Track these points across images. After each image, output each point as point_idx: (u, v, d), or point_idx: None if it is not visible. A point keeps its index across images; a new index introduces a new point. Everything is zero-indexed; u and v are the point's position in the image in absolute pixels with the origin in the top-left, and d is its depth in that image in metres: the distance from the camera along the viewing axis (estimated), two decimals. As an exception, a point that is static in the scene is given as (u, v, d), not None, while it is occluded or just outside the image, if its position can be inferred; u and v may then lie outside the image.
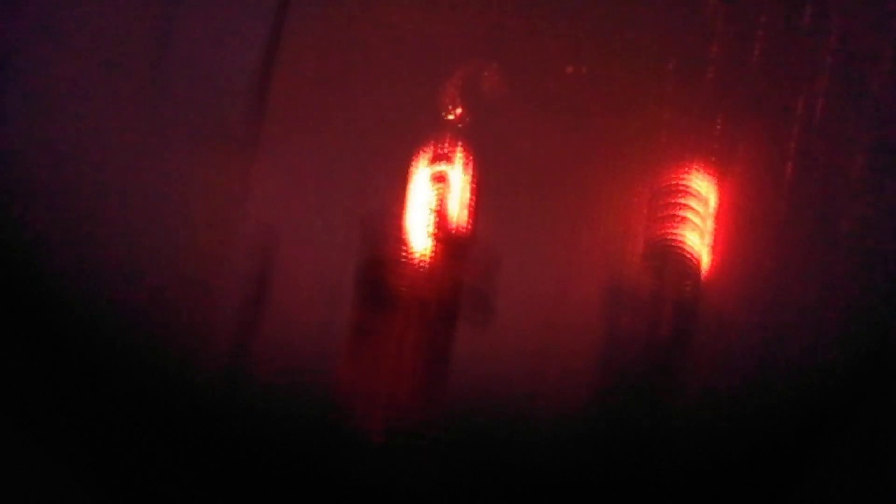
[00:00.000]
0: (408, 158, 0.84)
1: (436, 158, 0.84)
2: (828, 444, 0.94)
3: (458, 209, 0.84)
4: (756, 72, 0.85)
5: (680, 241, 0.85)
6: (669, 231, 0.85)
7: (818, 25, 0.87)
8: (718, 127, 0.85)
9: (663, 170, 0.85)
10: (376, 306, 0.84)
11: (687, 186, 0.85)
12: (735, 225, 0.86)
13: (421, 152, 0.84)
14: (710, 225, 0.86)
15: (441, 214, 0.84)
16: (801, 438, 0.92)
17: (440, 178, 0.84)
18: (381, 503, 0.87)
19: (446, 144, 0.84)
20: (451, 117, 0.84)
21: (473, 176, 0.84)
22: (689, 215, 0.85)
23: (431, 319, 0.84)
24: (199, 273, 0.84)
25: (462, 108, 0.84)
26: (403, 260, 0.84)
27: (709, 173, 0.85)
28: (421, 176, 0.84)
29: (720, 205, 0.86)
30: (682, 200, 0.85)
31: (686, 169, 0.85)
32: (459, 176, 0.84)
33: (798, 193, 0.87)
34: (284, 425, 0.85)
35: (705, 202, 0.85)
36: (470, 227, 0.84)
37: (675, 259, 0.85)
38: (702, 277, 0.86)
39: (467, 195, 0.84)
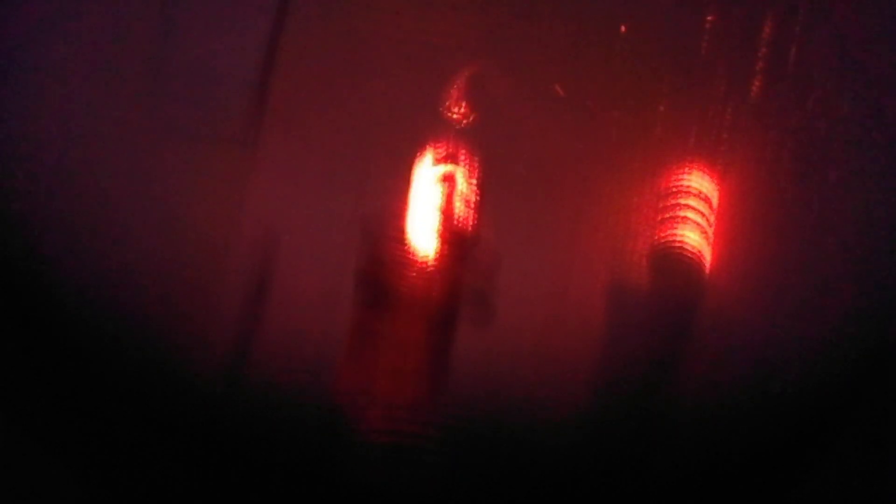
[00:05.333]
0: (408, 159, 0.84)
1: (436, 159, 0.84)
2: (828, 443, 0.94)
3: (459, 209, 0.84)
4: (758, 72, 0.85)
5: (681, 242, 0.85)
6: (671, 231, 0.85)
7: (819, 25, 0.87)
8: (721, 127, 0.85)
9: (666, 170, 0.85)
10: (376, 307, 0.84)
11: (689, 187, 0.85)
12: (736, 225, 0.86)
13: (422, 152, 0.84)
14: (711, 225, 0.86)
15: (442, 215, 0.84)
16: (801, 438, 0.92)
17: (441, 179, 0.84)
18: None
19: (447, 145, 0.84)
20: (452, 117, 0.84)
21: (475, 176, 0.84)
22: (691, 215, 0.85)
23: (432, 320, 0.84)
24: (199, 273, 0.84)
25: (463, 108, 0.84)
26: (404, 260, 0.84)
27: (711, 174, 0.85)
28: (422, 176, 0.84)
29: (721, 205, 0.86)
30: (685, 201, 0.85)
31: (688, 169, 0.85)
32: (460, 176, 0.84)
33: (798, 194, 0.87)
34: (284, 427, 0.85)
35: (707, 202, 0.85)
36: (471, 227, 0.84)
37: (676, 259, 0.85)
38: (703, 278, 0.86)
39: (468, 195, 0.84)
